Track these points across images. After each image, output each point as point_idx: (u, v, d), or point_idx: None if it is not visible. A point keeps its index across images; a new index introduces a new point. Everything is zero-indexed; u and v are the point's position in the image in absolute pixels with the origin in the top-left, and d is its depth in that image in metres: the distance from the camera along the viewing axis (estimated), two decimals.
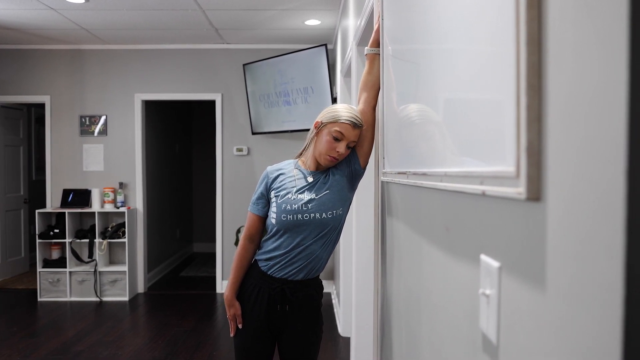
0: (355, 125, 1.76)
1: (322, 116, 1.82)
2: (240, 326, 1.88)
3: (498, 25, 0.66)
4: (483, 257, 0.74)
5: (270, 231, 1.85)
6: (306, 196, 1.79)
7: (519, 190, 0.58)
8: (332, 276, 5.34)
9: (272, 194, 1.85)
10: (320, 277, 1.94)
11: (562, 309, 0.52)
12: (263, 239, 1.91)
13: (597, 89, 0.45)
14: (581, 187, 0.48)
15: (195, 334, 4.09)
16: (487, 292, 0.71)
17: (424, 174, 1.04)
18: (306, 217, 1.77)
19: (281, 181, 1.85)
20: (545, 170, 0.55)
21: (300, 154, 1.93)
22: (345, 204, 1.85)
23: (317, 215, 1.77)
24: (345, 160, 1.85)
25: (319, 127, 1.81)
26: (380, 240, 1.90)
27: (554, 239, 0.53)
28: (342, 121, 1.75)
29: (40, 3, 4.06)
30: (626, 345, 0.41)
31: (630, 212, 0.41)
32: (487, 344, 0.73)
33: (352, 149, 1.84)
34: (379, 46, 1.79)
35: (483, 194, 0.69)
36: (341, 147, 1.77)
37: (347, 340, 3.87)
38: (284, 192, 1.81)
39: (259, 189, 1.89)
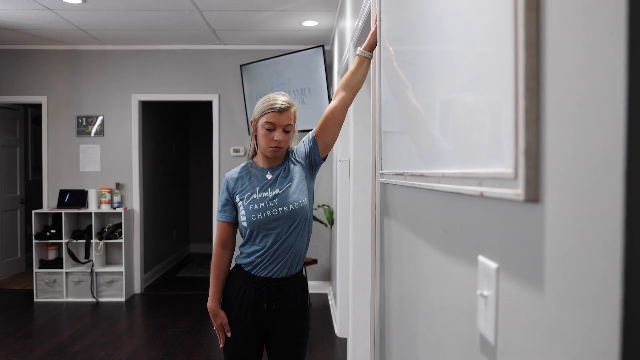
0: (280, 110, 1.82)
1: (253, 114, 1.89)
2: (229, 334, 1.88)
3: (496, 28, 0.66)
4: (481, 258, 0.74)
5: (245, 235, 1.87)
6: (270, 192, 1.83)
7: (517, 191, 0.58)
8: (329, 277, 5.33)
9: (237, 197, 1.88)
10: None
11: (560, 310, 0.52)
12: (240, 245, 1.93)
13: (595, 92, 0.45)
14: (579, 188, 0.48)
15: (192, 335, 4.09)
16: (485, 293, 0.71)
17: (422, 175, 1.05)
18: (275, 212, 1.81)
19: (242, 184, 1.88)
20: (543, 171, 0.56)
21: (254, 155, 1.95)
22: (309, 193, 1.89)
23: (285, 208, 1.81)
24: (305, 151, 1.90)
25: (254, 124, 1.88)
26: (377, 241, 1.90)
27: (552, 240, 0.53)
28: (266, 111, 1.82)
29: (37, 3, 4.05)
30: (624, 346, 0.41)
31: (629, 213, 0.41)
32: (484, 345, 0.73)
33: (314, 140, 1.88)
34: (372, 50, 1.79)
35: (481, 195, 0.69)
36: (277, 135, 1.83)
37: (344, 341, 3.86)
38: (248, 193, 1.85)
39: (223, 196, 1.92)
